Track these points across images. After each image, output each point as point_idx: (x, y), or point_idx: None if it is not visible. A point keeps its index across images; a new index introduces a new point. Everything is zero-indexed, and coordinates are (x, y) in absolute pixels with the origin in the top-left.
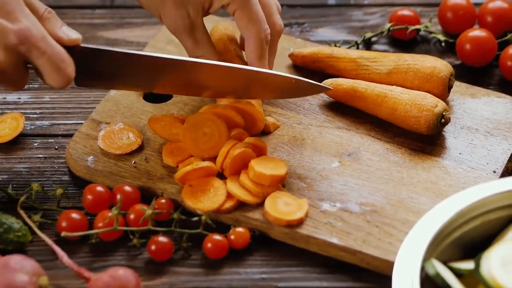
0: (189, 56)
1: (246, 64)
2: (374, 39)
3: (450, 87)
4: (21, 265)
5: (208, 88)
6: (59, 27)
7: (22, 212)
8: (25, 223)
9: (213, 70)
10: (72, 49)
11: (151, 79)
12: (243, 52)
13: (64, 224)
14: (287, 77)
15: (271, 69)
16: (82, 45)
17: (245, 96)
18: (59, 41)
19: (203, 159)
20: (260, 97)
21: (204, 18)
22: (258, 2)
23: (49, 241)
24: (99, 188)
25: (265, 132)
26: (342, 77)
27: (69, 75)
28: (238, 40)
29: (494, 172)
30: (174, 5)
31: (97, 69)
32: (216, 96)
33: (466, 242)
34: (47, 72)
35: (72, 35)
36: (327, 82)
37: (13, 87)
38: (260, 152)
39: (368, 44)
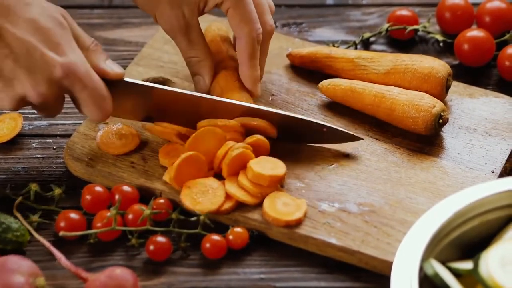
0: (183, 56)
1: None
2: (372, 39)
3: (448, 87)
4: (18, 266)
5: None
6: (104, 60)
7: (18, 215)
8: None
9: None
10: (112, 82)
11: (187, 116)
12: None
13: (62, 224)
14: (319, 124)
15: (262, 69)
16: (125, 79)
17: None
18: (103, 74)
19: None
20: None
21: (199, 18)
22: (251, 1)
23: (46, 243)
24: (98, 188)
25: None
26: (340, 77)
27: (108, 110)
28: (232, 40)
29: (493, 172)
30: (169, 5)
31: (134, 102)
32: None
33: (465, 242)
34: (86, 106)
35: (116, 69)
36: (325, 83)
37: (48, 114)
38: (261, 150)
39: (366, 44)
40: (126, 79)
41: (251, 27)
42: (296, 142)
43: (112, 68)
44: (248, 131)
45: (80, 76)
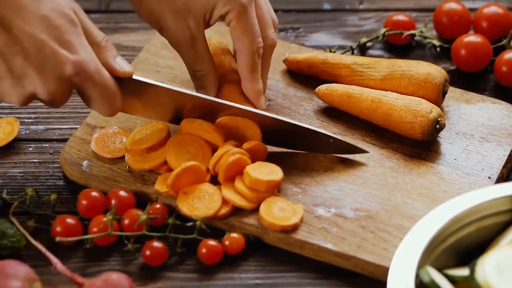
0: (188, 69)
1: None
2: (369, 44)
3: (444, 93)
4: (15, 271)
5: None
6: (114, 57)
7: (14, 220)
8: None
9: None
10: (121, 79)
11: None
12: None
13: (58, 229)
14: (325, 135)
15: (265, 82)
16: (134, 77)
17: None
18: (113, 72)
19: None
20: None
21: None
22: (255, 15)
23: (43, 248)
24: (94, 193)
25: None
26: (337, 82)
27: (117, 107)
28: (232, 52)
29: (489, 178)
30: (174, 18)
31: (142, 100)
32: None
33: (461, 248)
34: (96, 102)
35: (126, 67)
36: (322, 88)
37: (53, 106)
38: (259, 156)
39: (363, 49)
40: (135, 77)
41: (251, 41)
42: (294, 149)
43: (122, 66)
44: (230, 134)
45: (90, 74)
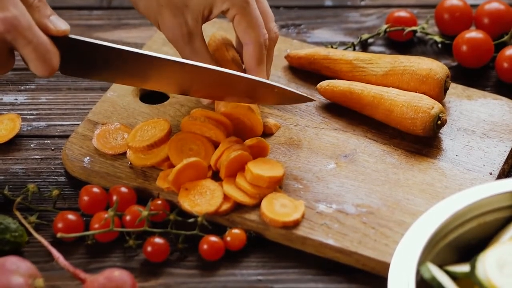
0: None
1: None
2: (370, 40)
3: (446, 89)
4: (17, 267)
5: (198, 91)
6: (48, 16)
7: (18, 214)
8: (22, 224)
9: (202, 74)
10: (58, 38)
11: (137, 75)
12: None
13: (60, 225)
14: (271, 84)
15: (268, 75)
16: (70, 36)
17: (240, 99)
18: (46, 31)
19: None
20: (261, 102)
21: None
22: (257, 8)
23: (45, 242)
24: (95, 189)
25: (266, 133)
26: (338, 78)
27: (53, 65)
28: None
29: (491, 174)
30: (171, 13)
31: (82, 60)
32: (210, 98)
33: (462, 244)
34: (31, 61)
35: (60, 25)
36: (323, 84)
37: None
38: (261, 152)
39: (364, 46)
40: (72, 36)
41: (258, 33)
42: (247, 102)
43: (56, 24)
44: (234, 128)
45: (22, 31)
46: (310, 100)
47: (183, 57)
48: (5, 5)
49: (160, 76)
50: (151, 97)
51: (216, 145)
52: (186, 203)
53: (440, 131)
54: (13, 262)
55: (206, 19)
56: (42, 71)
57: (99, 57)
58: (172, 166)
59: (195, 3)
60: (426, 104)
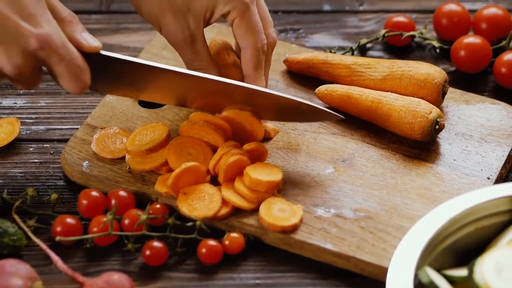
0: (187, 68)
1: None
2: (369, 45)
3: (444, 93)
4: (16, 269)
5: (221, 105)
6: (80, 33)
7: (16, 217)
8: (21, 227)
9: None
10: (90, 55)
11: (168, 91)
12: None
13: (58, 228)
14: (297, 101)
15: (266, 81)
16: (101, 52)
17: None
18: (79, 46)
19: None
20: (263, 117)
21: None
22: (257, 12)
23: (44, 246)
24: (94, 193)
25: (265, 138)
26: (336, 83)
27: (85, 82)
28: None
29: (488, 178)
30: (173, 16)
31: (113, 76)
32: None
33: (460, 248)
34: (64, 78)
35: (92, 42)
36: (322, 89)
37: (26, 87)
38: (259, 157)
39: (363, 50)
40: (103, 52)
41: (256, 38)
42: (277, 120)
43: (88, 40)
44: (234, 131)
45: (55, 48)
46: (338, 117)
47: (184, 61)
48: (39, 22)
49: (190, 93)
50: (149, 102)
51: (214, 149)
52: (185, 207)
53: (438, 135)
54: (12, 264)
55: (208, 22)
56: (74, 88)
57: (129, 73)
58: (170, 170)
59: (197, 7)
60: (424, 108)
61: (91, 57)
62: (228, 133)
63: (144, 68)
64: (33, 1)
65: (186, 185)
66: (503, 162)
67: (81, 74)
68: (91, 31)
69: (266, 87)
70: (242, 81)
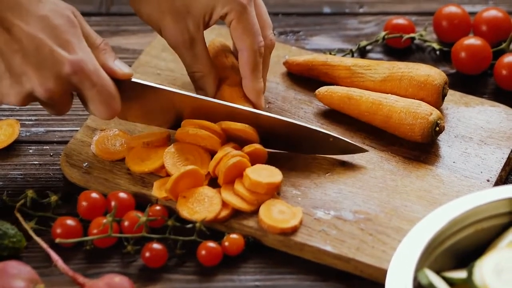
0: (187, 71)
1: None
2: (369, 47)
3: (444, 95)
4: (18, 271)
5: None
6: (113, 60)
7: (18, 215)
8: (20, 229)
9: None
10: (120, 82)
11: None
12: None
13: (58, 230)
14: (325, 133)
15: (264, 83)
16: (133, 79)
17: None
18: (112, 73)
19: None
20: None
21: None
22: (255, 15)
23: (44, 245)
24: (94, 195)
25: None
26: (336, 84)
27: (116, 109)
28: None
29: (488, 181)
30: (173, 19)
31: (142, 104)
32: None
33: (459, 250)
34: (95, 104)
35: (125, 69)
36: (322, 90)
37: (55, 111)
38: (259, 158)
39: (363, 53)
40: (134, 79)
41: (253, 40)
42: (294, 151)
43: (121, 68)
44: (229, 137)
45: (88, 74)
46: (364, 151)
47: (184, 63)
48: (73, 48)
49: (214, 119)
50: None
51: (212, 153)
52: (185, 211)
53: (438, 137)
54: (14, 266)
55: (207, 25)
56: (105, 114)
57: (160, 102)
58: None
59: (197, 9)
60: (425, 110)
61: (123, 84)
62: (223, 138)
63: (176, 97)
64: (69, 28)
65: (185, 189)
66: (502, 165)
67: (112, 101)
68: None
69: (264, 89)
70: (240, 82)
